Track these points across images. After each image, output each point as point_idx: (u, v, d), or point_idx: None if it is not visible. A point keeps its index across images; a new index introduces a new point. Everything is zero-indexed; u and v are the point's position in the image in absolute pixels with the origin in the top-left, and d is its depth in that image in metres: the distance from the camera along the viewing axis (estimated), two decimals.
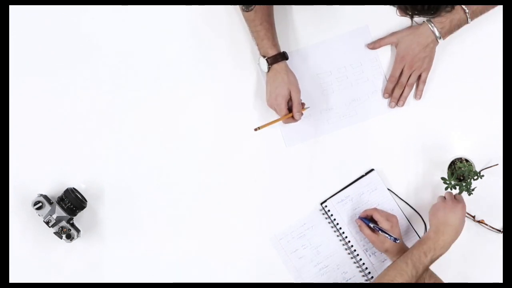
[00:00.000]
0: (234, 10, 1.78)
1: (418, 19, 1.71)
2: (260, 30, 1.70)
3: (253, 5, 1.67)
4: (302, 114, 1.73)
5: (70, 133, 1.80)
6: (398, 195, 1.81)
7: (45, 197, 1.74)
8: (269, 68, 1.71)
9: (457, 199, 1.70)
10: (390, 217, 1.74)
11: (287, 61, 1.73)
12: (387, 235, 1.70)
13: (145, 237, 1.80)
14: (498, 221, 1.80)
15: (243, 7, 1.69)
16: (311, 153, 1.81)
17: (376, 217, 1.74)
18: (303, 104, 1.74)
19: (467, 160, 1.75)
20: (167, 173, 1.81)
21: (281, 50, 1.72)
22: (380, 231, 1.72)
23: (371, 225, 1.74)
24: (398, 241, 1.70)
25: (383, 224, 1.72)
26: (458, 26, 1.75)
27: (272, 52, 1.70)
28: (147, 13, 1.80)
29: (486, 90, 1.81)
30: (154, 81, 1.81)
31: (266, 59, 1.71)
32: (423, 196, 1.81)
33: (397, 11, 1.38)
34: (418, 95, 1.81)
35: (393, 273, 1.62)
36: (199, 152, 1.81)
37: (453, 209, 1.67)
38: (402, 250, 1.72)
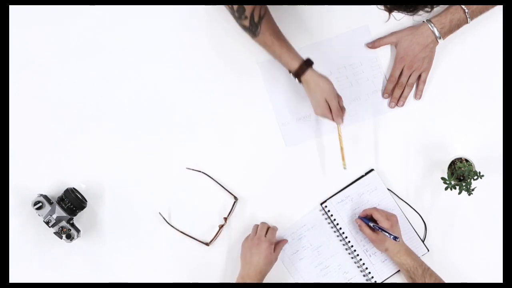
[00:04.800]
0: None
1: (418, 19, 1.73)
2: (275, 49, 1.68)
3: (258, 30, 1.66)
4: (342, 119, 1.71)
5: (70, 133, 1.80)
6: (398, 195, 1.81)
7: (45, 197, 1.74)
8: (299, 81, 1.70)
9: None
10: (389, 216, 1.74)
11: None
12: (387, 234, 1.70)
13: (145, 237, 1.80)
14: (498, 221, 1.80)
15: (250, 34, 1.68)
16: (311, 153, 1.81)
17: (376, 216, 1.74)
18: (343, 109, 1.72)
19: (467, 160, 1.75)
20: (167, 173, 1.80)
21: (304, 58, 1.69)
22: (380, 230, 1.72)
23: (371, 224, 1.74)
24: (398, 240, 1.70)
25: (383, 223, 1.72)
26: (458, 26, 1.75)
27: (295, 65, 1.68)
28: (147, 13, 1.80)
29: (486, 90, 1.81)
30: (156, 81, 1.81)
31: (292, 74, 1.70)
32: (423, 196, 1.81)
33: (378, 5, 1.39)
34: (418, 95, 1.81)
35: None
36: (199, 152, 1.81)
37: (258, 247, 1.71)
38: (402, 250, 1.72)
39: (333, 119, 1.71)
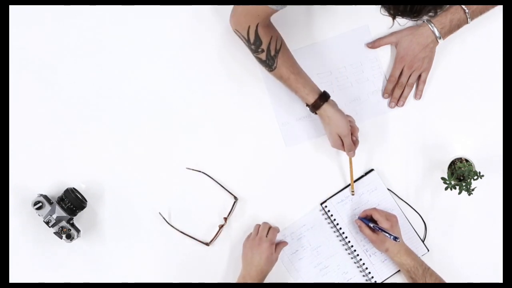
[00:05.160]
0: None
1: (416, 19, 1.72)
2: (291, 83, 1.69)
3: (275, 64, 1.67)
4: (354, 152, 1.74)
5: (70, 133, 1.80)
6: (398, 195, 1.81)
7: (45, 197, 1.74)
8: (316, 114, 1.71)
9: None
10: (389, 216, 1.74)
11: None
12: (387, 234, 1.70)
13: (145, 237, 1.80)
14: (498, 221, 1.80)
15: (267, 68, 1.69)
16: (311, 153, 1.81)
17: (376, 216, 1.74)
18: (356, 142, 1.74)
19: (467, 160, 1.75)
20: (167, 173, 1.80)
21: (321, 91, 1.70)
22: (380, 231, 1.72)
23: (371, 225, 1.74)
24: (398, 240, 1.70)
25: (383, 223, 1.72)
26: (458, 26, 1.75)
27: (311, 99, 1.69)
28: (148, 13, 1.80)
29: (486, 90, 1.81)
30: (156, 82, 1.81)
31: (310, 108, 1.70)
32: (423, 196, 1.81)
33: (381, 9, 1.39)
34: (418, 95, 1.81)
35: None
36: (199, 152, 1.81)
37: (259, 247, 1.72)
38: (402, 250, 1.73)
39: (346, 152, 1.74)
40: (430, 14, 1.39)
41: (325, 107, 1.69)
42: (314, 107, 1.69)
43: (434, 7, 1.38)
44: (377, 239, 1.73)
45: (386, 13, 1.39)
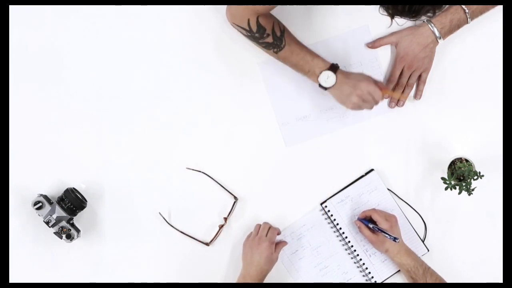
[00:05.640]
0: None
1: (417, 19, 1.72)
2: (304, 54, 1.68)
3: (283, 42, 1.66)
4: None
5: (70, 133, 1.80)
6: (398, 195, 1.81)
7: (45, 197, 1.74)
8: (336, 78, 1.68)
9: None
10: (389, 217, 1.74)
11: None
12: (386, 235, 1.70)
13: (145, 237, 1.80)
14: (498, 221, 1.80)
15: (276, 49, 1.68)
16: (311, 153, 1.81)
17: (375, 217, 1.74)
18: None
19: (467, 160, 1.75)
20: (167, 173, 1.80)
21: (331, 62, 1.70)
22: (379, 232, 1.72)
23: (370, 225, 1.74)
24: (398, 241, 1.70)
25: (382, 224, 1.72)
26: (458, 26, 1.75)
27: (327, 64, 1.68)
28: (148, 13, 1.80)
29: (486, 90, 1.81)
30: (156, 82, 1.81)
31: (331, 70, 1.67)
32: (423, 196, 1.81)
33: (380, 9, 1.39)
34: (418, 95, 1.81)
35: None
36: (199, 152, 1.81)
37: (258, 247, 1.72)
38: (402, 250, 1.73)
39: (381, 94, 1.71)
40: (429, 14, 1.39)
41: (340, 71, 1.69)
42: (335, 68, 1.67)
43: (433, 7, 1.39)
44: (376, 240, 1.73)
45: (385, 13, 1.39)
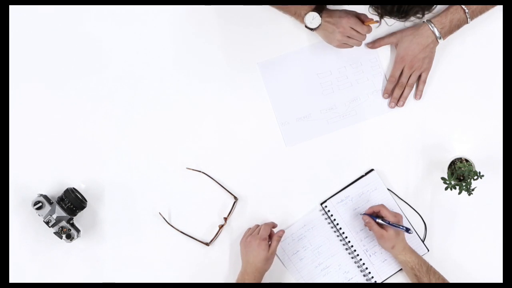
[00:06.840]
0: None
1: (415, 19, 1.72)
2: None
3: None
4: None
5: (70, 133, 1.80)
6: (398, 195, 1.81)
7: (45, 197, 1.74)
8: (321, 19, 1.68)
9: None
10: (395, 214, 1.74)
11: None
12: (399, 227, 1.70)
13: (145, 237, 1.80)
14: (498, 221, 1.80)
15: None
16: (311, 153, 1.81)
17: (384, 213, 1.73)
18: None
19: (467, 160, 1.75)
20: (167, 173, 1.80)
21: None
22: (390, 225, 1.71)
23: (378, 220, 1.73)
24: (411, 232, 1.70)
25: (391, 219, 1.72)
26: (458, 26, 1.75)
27: (312, 6, 1.68)
28: (148, 13, 1.80)
29: (486, 90, 1.81)
30: (156, 82, 1.81)
31: (316, 11, 1.68)
32: (423, 196, 1.81)
33: (369, 8, 1.39)
34: (418, 95, 1.81)
35: None
36: (199, 152, 1.81)
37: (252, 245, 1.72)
38: (407, 247, 1.73)
39: (365, 29, 1.71)
40: (418, 15, 1.39)
41: (326, 10, 1.69)
42: (320, 9, 1.68)
43: (422, 8, 1.39)
44: (386, 234, 1.72)
45: (375, 13, 1.40)
